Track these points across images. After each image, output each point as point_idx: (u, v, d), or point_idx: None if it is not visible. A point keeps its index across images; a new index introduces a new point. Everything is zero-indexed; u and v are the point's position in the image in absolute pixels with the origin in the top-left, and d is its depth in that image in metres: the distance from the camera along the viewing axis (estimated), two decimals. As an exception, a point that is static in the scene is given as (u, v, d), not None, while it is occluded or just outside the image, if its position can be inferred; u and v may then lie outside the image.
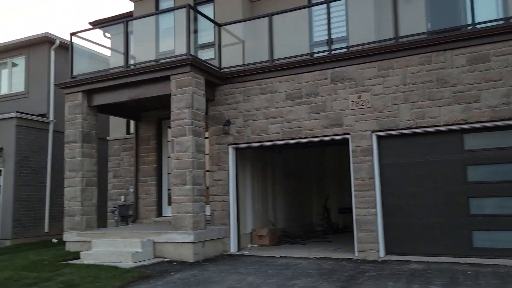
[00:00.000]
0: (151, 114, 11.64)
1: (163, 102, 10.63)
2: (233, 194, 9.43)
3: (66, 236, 9.60)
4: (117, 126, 12.71)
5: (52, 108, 14.13)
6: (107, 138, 12.77)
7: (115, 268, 7.43)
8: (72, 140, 9.81)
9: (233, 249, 9.30)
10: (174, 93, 8.72)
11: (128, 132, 12.73)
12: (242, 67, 9.58)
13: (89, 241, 9.20)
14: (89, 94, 9.92)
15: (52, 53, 14.28)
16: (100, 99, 9.84)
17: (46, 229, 13.77)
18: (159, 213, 11.37)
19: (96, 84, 9.62)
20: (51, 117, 14.10)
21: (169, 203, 11.33)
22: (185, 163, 8.45)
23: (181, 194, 8.43)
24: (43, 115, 14.01)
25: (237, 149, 9.61)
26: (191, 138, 8.48)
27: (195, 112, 8.65)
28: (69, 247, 9.58)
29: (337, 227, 12.81)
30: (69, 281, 6.67)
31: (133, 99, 9.46)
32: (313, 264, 7.64)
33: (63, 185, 14.45)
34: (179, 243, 8.36)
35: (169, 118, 11.37)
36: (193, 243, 8.25)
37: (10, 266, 8.09)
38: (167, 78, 8.87)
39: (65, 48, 14.61)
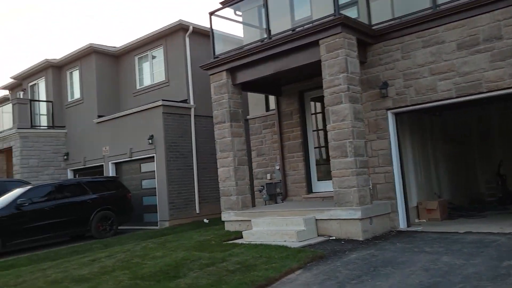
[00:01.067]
0: (292, 88, 11.11)
1: (305, 73, 10.02)
2: (397, 165, 8.46)
3: (224, 216, 9.62)
4: (256, 104, 12.48)
5: (191, 94, 14.51)
6: (247, 117, 12.63)
7: (285, 247, 7.06)
8: (220, 120, 9.72)
9: (402, 225, 8.38)
10: (325, 58, 7.98)
11: (267, 109, 12.43)
12: (398, 20, 8.43)
13: (248, 220, 9.07)
14: (232, 72, 9.70)
15: (187, 39, 14.61)
16: (244, 76, 9.55)
17: (197, 210, 14.30)
18: (309, 190, 10.88)
19: (239, 60, 9.34)
20: (191, 102, 14.48)
21: (319, 179, 10.79)
22: (344, 133, 7.71)
23: (342, 167, 7.72)
24: (184, 101, 14.46)
25: (396, 114, 8.57)
26: (348, 106, 7.68)
27: (350, 77, 7.81)
28: (228, 227, 9.59)
29: (514, 197, 11.01)
30: (243, 261, 6.45)
31: (277, 72, 8.95)
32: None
33: (207, 167, 14.97)
34: (345, 220, 7.70)
35: (311, 89, 10.82)
36: (360, 219, 7.53)
37: (181, 247, 8.27)
38: (315, 43, 8.15)
39: (197, 34, 14.89)
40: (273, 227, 8.29)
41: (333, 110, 7.86)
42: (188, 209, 14.08)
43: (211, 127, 15.13)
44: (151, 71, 15.85)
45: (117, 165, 15.56)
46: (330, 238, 7.83)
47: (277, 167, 11.75)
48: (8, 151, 17.47)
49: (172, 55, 14.94)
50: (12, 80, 19.74)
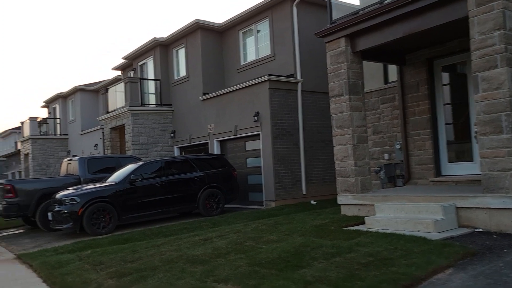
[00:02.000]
0: (419, 55, 9.70)
1: (435, 37, 8.59)
2: None
3: (340, 199, 8.71)
4: (372, 76, 11.24)
5: (298, 68, 13.64)
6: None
7: (423, 239, 5.98)
8: (337, 93, 8.73)
9: None
10: (474, 13, 6.55)
11: (386, 81, 11.14)
12: None
13: (369, 205, 8.08)
14: (352, 38, 8.62)
15: (294, 9, 13.71)
16: (365, 42, 8.42)
17: (304, 191, 13.57)
18: (437, 172, 9.50)
19: (360, 24, 8.22)
20: (298, 76, 13.63)
21: (451, 160, 9.36)
22: (498, 105, 6.29)
23: (495, 146, 6.34)
24: (291, 76, 13.65)
25: None
26: (505, 71, 6.23)
27: (509, 35, 6.32)
28: (345, 211, 8.68)
29: None
30: (375, 253, 5.53)
31: (406, 35, 7.67)
32: None
33: (314, 146, 14.09)
34: (496, 209, 6.36)
35: (442, 56, 9.32)
36: (519, 210, 6.14)
37: (295, 230, 7.57)
38: (459, -3, 6.76)
39: (305, 2, 13.89)
40: (402, 214, 7.20)
41: (483, 76, 6.46)
42: (294, 189, 13.40)
43: (319, 103, 14.28)
44: (255, 46, 15.26)
45: (222, 142, 15.38)
46: (476, 230, 6.55)
47: (398, 146, 10.50)
48: (121, 129, 18.28)
49: (278, 28, 14.16)
50: (124, 60, 20.57)
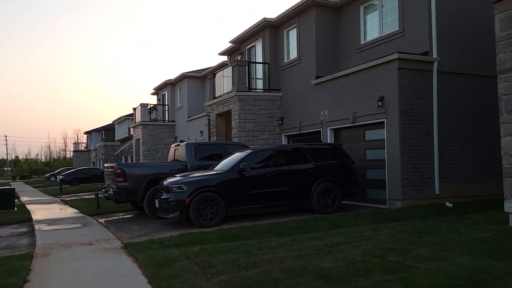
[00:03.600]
0: None
1: None
2: None
3: (510, 207, 6.65)
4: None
5: (435, 45, 11.46)
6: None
7: None
8: (510, 67, 6.65)
9: None
10: None
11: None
12: None
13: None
14: (533, -7, 6.46)
15: (433, -26, 11.49)
16: (556, -3, 6.21)
17: (437, 191, 11.45)
18: None
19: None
20: (434, 55, 11.46)
21: None
22: None
23: None
24: (425, 54, 11.53)
25: None
26: None
27: None
28: (515, 222, 6.62)
29: None
30: None
31: None
32: None
33: (451, 137, 11.75)
34: None
35: None
36: None
37: (453, 246, 5.78)
38: None
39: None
40: None
41: None
42: (425, 188, 11.34)
43: (460, 86, 11.92)
44: (380, 21, 13.31)
45: (336, 131, 13.77)
46: None
47: None
48: (227, 115, 17.56)
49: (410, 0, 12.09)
50: (230, 45, 19.85)
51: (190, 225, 9.51)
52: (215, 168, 10.73)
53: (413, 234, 6.82)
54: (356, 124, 12.58)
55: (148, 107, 27.83)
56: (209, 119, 20.27)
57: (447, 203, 10.98)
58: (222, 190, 9.75)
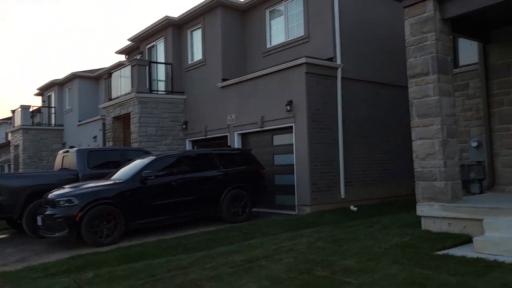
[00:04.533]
0: (509, 31, 7.70)
1: None
2: None
3: (423, 210, 6.68)
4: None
5: (338, 51, 11.60)
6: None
7: None
8: (420, 72, 6.71)
9: None
10: None
11: (456, 65, 9.13)
12: None
13: (468, 219, 6.08)
14: (440, 0, 6.60)
15: (335, -18, 11.64)
16: (461, 5, 6.39)
17: (342, 195, 11.56)
18: (534, 178, 7.51)
19: (460, -21, 6.20)
20: (338, 61, 11.60)
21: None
22: None
23: None
24: (330, 59, 11.62)
25: None
26: None
27: None
28: (428, 225, 6.65)
29: None
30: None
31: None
32: None
33: (354, 142, 11.99)
34: None
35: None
36: None
37: (376, 254, 5.54)
38: None
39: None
40: (532, 236, 5.20)
41: None
42: (331, 192, 11.37)
43: (361, 93, 12.26)
44: (285, 26, 13.19)
45: (244, 136, 13.33)
46: None
47: (474, 144, 8.50)
48: (126, 119, 16.19)
49: (314, 4, 12.11)
50: (129, 43, 18.49)
51: (83, 244, 8.24)
52: (112, 177, 9.56)
53: (332, 243, 6.52)
54: (264, 128, 12.26)
55: (31, 109, 24.78)
56: (104, 123, 18.59)
57: (351, 207, 11.12)
58: (122, 202, 8.65)
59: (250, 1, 13.95)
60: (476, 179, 8.42)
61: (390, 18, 12.99)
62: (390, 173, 12.80)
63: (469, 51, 8.67)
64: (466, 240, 6.00)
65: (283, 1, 13.19)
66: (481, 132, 8.41)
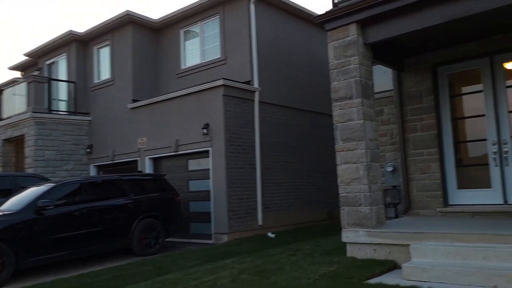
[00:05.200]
0: (422, 60, 8.11)
1: (436, 40, 7.05)
2: None
3: (348, 236, 6.52)
4: (354, 86, 9.44)
5: (256, 74, 11.48)
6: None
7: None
8: (344, 95, 6.66)
9: None
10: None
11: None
12: None
13: (392, 244, 6.02)
14: (364, 25, 6.68)
15: (252, 7, 11.61)
16: (383, 31, 6.51)
17: (260, 221, 11.24)
18: (445, 201, 7.82)
19: (382, 6, 6.30)
20: (256, 84, 11.46)
21: (460, 186, 7.74)
22: None
23: None
24: (247, 83, 11.43)
25: None
26: None
27: None
28: (353, 252, 6.49)
29: None
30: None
31: (450, 20, 5.90)
32: None
33: (272, 167, 11.83)
34: None
35: (448, 63, 7.80)
36: None
37: (306, 285, 5.18)
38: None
39: (264, 1, 11.96)
40: (457, 260, 5.21)
41: None
42: (249, 219, 10.99)
43: (278, 117, 12.15)
44: (201, 47, 12.82)
45: (156, 160, 12.50)
46: None
47: (389, 169, 8.68)
48: (19, 141, 14.42)
49: (231, 27, 11.94)
50: (25, 58, 16.73)
51: (-40, 290, 6.83)
52: (1, 208, 8.20)
53: (257, 275, 6.05)
54: (179, 152, 11.59)
55: None
56: (-8, 146, 16.40)
57: (269, 234, 10.82)
58: (11, 237, 7.40)
59: (163, 20, 13.40)
60: (391, 204, 8.59)
61: (306, 44, 13.28)
62: (305, 199, 12.81)
63: (383, 78, 8.97)
64: (392, 266, 5.92)
65: (199, 22, 12.84)
66: (396, 157, 8.67)
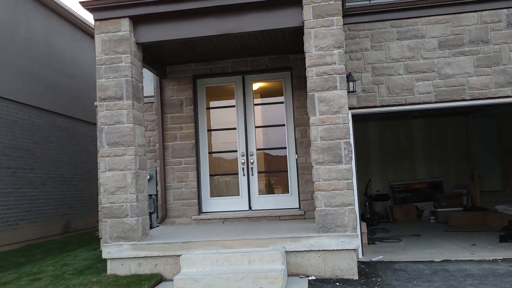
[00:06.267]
0: (184, 70, 8.20)
1: (199, 52, 7.52)
2: (356, 178, 6.83)
3: (110, 252, 5.80)
4: (111, 87, 8.75)
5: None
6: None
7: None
8: (113, 95, 5.99)
9: (361, 254, 6.75)
10: (310, 25, 5.79)
11: (129, 95, 8.89)
12: (367, 2, 7.04)
13: (159, 256, 5.71)
14: (136, 23, 6.21)
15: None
16: (160, 33, 6.18)
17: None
18: (200, 209, 8.06)
19: (160, 5, 5.99)
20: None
21: (213, 195, 8.19)
22: (338, 131, 5.64)
23: (334, 178, 5.60)
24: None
25: (355, 116, 7.04)
26: (345, 94, 5.71)
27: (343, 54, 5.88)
28: (115, 268, 5.82)
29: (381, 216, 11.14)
30: None
31: (220, 34, 6.12)
32: (493, 270, 5.64)
33: (-3, 174, 9.71)
34: (332, 251, 5.55)
35: (208, 76, 8.27)
36: (355, 250, 5.56)
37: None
38: (294, 3, 5.88)
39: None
40: (226, 267, 5.31)
41: (322, 97, 5.69)
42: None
43: (13, 115, 10.08)
44: None
45: None
46: (309, 278, 5.51)
47: (148, 177, 8.39)
48: None
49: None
50: None
51: None
52: None
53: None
54: None
55: None
56: None
57: None
58: None
59: None
60: (151, 212, 8.29)
61: (50, 37, 11.62)
62: (39, 211, 11.06)
63: (144, 83, 8.62)
64: (159, 279, 5.60)
65: None
66: (153, 165, 8.42)
